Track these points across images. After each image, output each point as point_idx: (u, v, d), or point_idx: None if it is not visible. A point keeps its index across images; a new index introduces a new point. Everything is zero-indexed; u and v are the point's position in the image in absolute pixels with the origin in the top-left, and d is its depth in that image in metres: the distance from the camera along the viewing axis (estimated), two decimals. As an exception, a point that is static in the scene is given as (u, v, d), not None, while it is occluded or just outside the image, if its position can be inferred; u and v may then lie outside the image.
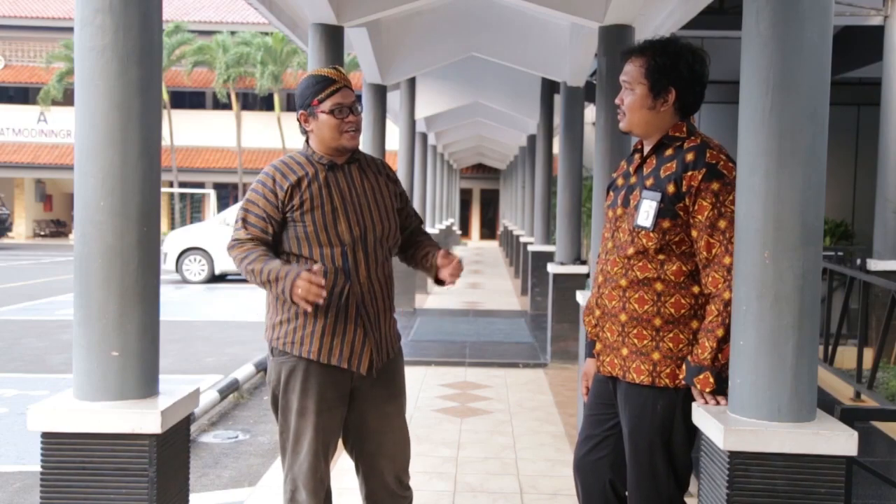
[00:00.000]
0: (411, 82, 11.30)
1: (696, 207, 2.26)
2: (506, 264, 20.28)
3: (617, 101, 2.44)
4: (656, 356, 2.31)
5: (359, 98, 2.68)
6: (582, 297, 4.80)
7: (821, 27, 2.13)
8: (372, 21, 6.13)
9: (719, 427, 2.17)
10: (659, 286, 2.31)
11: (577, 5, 5.20)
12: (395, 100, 11.46)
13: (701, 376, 2.25)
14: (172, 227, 29.98)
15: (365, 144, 8.08)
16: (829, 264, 6.92)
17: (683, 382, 2.31)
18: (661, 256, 2.30)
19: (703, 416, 2.29)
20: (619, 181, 2.50)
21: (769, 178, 2.16)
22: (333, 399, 2.55)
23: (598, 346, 2.47)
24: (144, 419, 2.23)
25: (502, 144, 21.30)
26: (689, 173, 2.26)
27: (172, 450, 2.38)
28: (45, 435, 2.25)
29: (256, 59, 28.58)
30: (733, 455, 2.16)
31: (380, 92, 8.22)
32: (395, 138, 11.37)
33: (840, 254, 8.61)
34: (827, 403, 2.48)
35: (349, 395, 2.60)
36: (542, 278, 10.25)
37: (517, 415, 5.57)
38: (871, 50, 8.42)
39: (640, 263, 2.32)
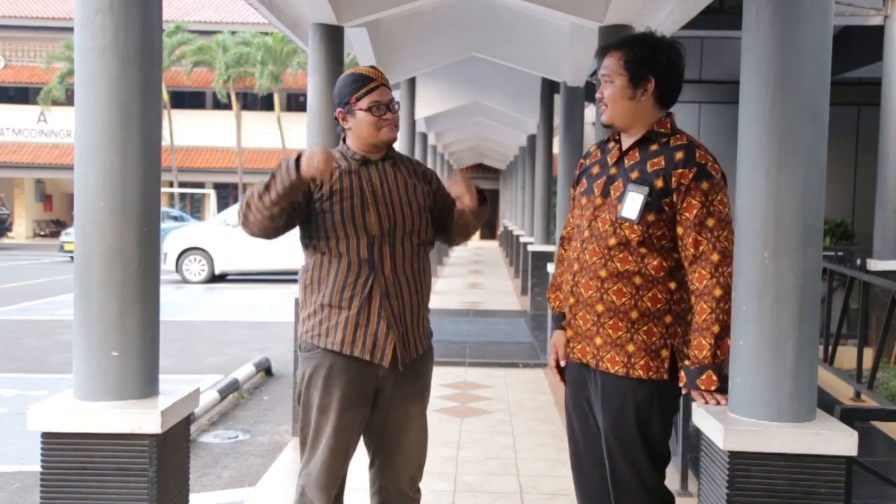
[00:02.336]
0: (411, 82, 11.30)
1: (684, 205, 2.29)
2: (506, 264, 20.27)
3: (598, 95, 2.47)
4: (631, 348, 2.34)
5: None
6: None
7: (821, 27, 2.13)
8: (372, 21, 6.13)
9: (719, 427, 2.17)
10: (638, 280, 2.33)
11: (577, 5, 5.20)
12: (395, 100, 11.44)
13: (703, 376, 2.25)
14: (172, 227, 29.94)
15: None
16: (829, 264, 6.92)
17: (656, 375, 2.32)
18: (642, 250, 2.33)
19: (703, 416, 2.29)
20: (595, 169, 2.51)
21: (769, 178, 2.16)
22: (356, 398, 2.53)
23: (570, 332, 2.49)
24: (144, 419, 2.24)
25: (502, 144, 21.30)
26: (680, 171, 2.29)
27: (172, 450, 2.38)
28: (45, 435, 2.25)
29: (256, 59, 28.59)
30: (733, 455, 2.16)
31: (380, 92, 8.20)
32: (395, 138, 11.36)
33: (840, 254, 8.61)
34: (827, 403, 2.48)
35: (373, 394, 2.58)
36: (542, 278, 10.25)
37: (517, 415, 5.57)
38: (871, 50, 8.42)
39: (621, 255, 2.34)
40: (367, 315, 2.50)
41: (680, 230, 2.31)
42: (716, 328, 2.23)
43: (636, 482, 2.35)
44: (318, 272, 2.55)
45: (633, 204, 2.32)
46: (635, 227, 2.32)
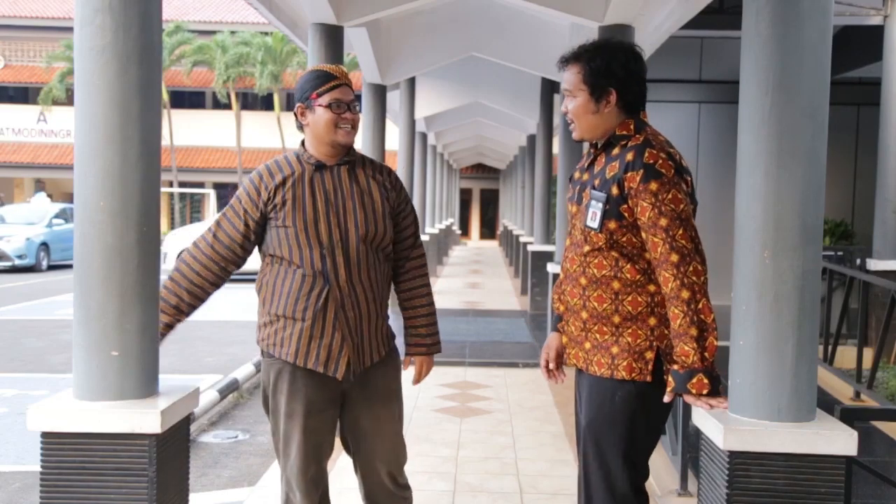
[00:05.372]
0: (411, 82, 11.30)
1: (638, 210, 2.27)
2: (506, 264, 20.28)
3: (562, 109, 2.46)
4: (615, 350, 2.34)
5: (358, 98, 2.68)
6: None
7: (821, 27, 2.13)
8: (372, 21, 6.14)
9: (719, 427, 2.17)
10: (616, 285, 2.33)
11: (577, 5, 5.20)
12: (395, 100, 11.46)
13: (694, 380, 2.20)
14: (172, 227, 29.97)
15: (365, 144, 8.08)
16: (829, 264, 6.92)
17: (639, 376, 2.29)
18: (614, 254, 2.33)
19: (703, 416, 2.29)
20: (577, 174, 2.53)
21: (769, 178, 2.16)
22: (321, 402, 2.53)
23: (565, 338, 2.51)
24: (144, 419, 2.24)
25: (502, 144, 21.31)
26: (629, 174, 2.27)
27: (172, 450, 2.38)
28: (45, 435, 2.25)
29: (256, 59, 28.60)
30: (733, 455, 2.16)
31: (380, 92, 8.22)
32: (395, 138, 11.37)
33: (840, 254, 8.61)
34: (827, 403, 2.48)
35: (341, 396, 2.59)
36: (541, 278, 10.26)
37: (517, 415, 5.58)
38: (871, 50, 8.43)
39: (596, 261, 2.35)
40: (321, 327, 2.49)
41: (643, 234, 2.29)
42: (693, 331, 2.18)
43: (604, 486, 2.33)
44: (273, 281, 2.53)
45: (593, 212, 2.33)
46: (599, 234, 2.32)
